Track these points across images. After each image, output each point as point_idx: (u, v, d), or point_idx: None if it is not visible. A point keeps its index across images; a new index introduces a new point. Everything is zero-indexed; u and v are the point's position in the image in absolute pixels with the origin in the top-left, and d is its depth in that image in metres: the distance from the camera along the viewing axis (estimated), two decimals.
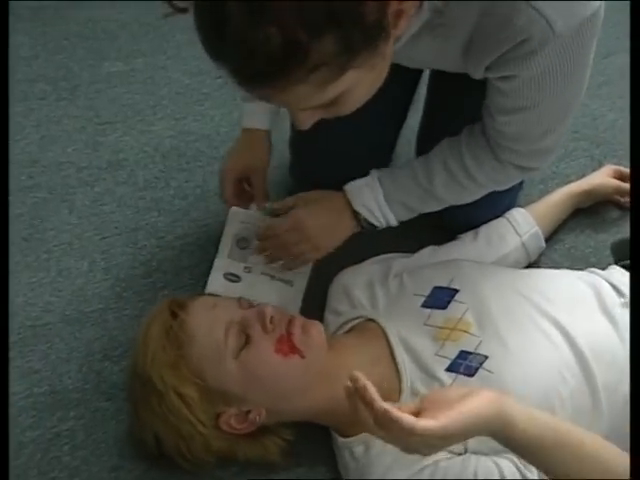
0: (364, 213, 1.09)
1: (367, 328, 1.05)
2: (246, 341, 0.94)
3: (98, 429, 1.10)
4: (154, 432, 0.97)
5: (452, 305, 1.04)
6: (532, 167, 1.06)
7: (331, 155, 1.23)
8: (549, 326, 1.00)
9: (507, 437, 0.75)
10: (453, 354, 0.98)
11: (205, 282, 1.20)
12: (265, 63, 0.64)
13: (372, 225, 1.10)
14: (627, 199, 1.42)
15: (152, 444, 0.99)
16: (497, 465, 0.91)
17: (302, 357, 0.95)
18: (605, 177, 1.41)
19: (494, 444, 0.92)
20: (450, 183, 1.06)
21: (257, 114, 1.18)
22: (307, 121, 0.81)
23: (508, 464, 0.91)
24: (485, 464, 0.92)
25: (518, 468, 0.91)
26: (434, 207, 1.12)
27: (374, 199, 1.08)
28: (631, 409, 0.82)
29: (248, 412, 0.96)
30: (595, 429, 0.96)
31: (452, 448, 0.93)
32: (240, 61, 0.66)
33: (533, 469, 0.90)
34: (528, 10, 0.76)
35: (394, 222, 1.10)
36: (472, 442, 0.93)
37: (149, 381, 0.94)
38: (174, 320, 0.96)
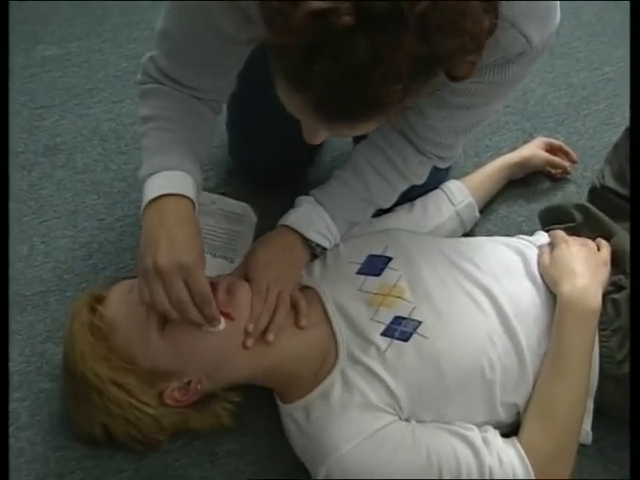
0: (317, 239, 1.08)
1: (304, 295, 1.06)
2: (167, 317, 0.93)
3: (42, 410, 1.10)
4: (101, 424, 0.98)
5: (386, 272, 1.06)
6: (453, 156, 1.11)
7: (267, 137, 1.25)
8: (477, 292, 1.04)
9: None
10: (388, 319, 1.01)
11: None
12: (372, 101, 0.66)
13: (323, 248, 1.10)
14: (558, 170, 1.47)
15: (101, 435, 0.99)
16: (453, 449, 0.94)
17: (232, 319, 0.96)
18: (536, 149, 1.46)
19: (436, 412, 0.98)
20: (383, 186, 1.10)
21: (182, 175, 0.95)
22: (322, 139, 0.83)
23: (465, 450, 0.94)
24: (438, 445, 0.94)
25: (475, 450, 0.94)
26: (369, 215, 1.15)
27: (324, 223, 1.08)
28: (631, 407, 0.88)
29: (189, 382, 0.96)
30: (522, 388, 1.01)
31: (396, 412, 0.96)
32: (347, 94, 0.65)
33: (493, 448, 0.94)
34: (511, 29, 0.79)
35: (339, 240, 1.12)
36: (415, 408, 0.97)
37: (84, 378, 0.94)
38: (94, 315, 0.95)
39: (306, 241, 1.08)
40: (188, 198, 0.93)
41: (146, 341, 0.93)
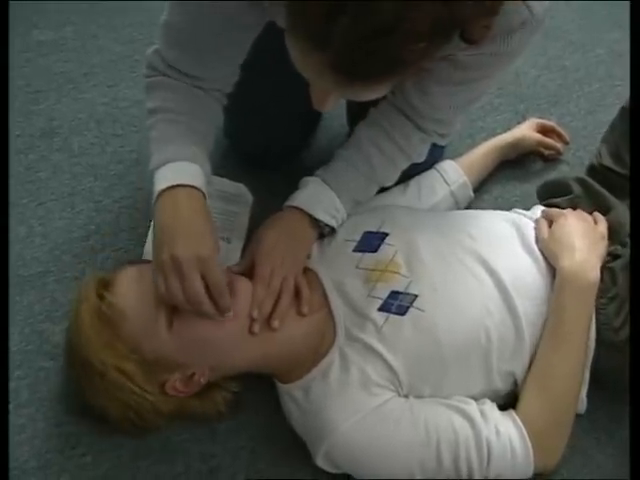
0: (325, 219, 1.08)
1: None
2: (176, 311, 0.93)
3: (42, 387, 1.11)
4: (101, 407, 0.98)
5: (382, 248, 1.07)
6: (451, 132, 1.12)
7: (263, 117, 1.25)
8: (473, 262, 1.05)
9: None
10: (384, 294, 1.02)
11: (143, 243, 1.22)
12: (392, 60, 0.66)
13: (331, 228, 1.11)
14: (550, 151, 1.49)
15: (98, 415, 1.00)
16: (451, 422, 0.95)
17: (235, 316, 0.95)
18: (529, 130, 1.48)
19: (435, 384, 0.99)
20: (386, 164, 1.11)
21: (193, 166, 0.96)
22: (333, 104, 0.81)
23: (463, 423, 0.95)
24: (436, 419, 0.96)
25: (472, 423, 0.95)
26: (372, 193, 1.16)
27: (331, 202, 1.09)
28: (631, 407, 0.88)
29: (192, 375, 0.96)
30: (519, 357, 1.02)
31: (395, 387, 0.98)
32: (367, 52, 0.65)
33: (490, 420, 0.96)
34: None
35: (345, 218, 1.12)
36: (414, 381, 0.98)
37: (88, 363, 0.93)
38: (102, 302, 0.94)
39: (314, 221, 1.09)
40: (199, 189, 0.94)
41: (154, 333, 0.93)
